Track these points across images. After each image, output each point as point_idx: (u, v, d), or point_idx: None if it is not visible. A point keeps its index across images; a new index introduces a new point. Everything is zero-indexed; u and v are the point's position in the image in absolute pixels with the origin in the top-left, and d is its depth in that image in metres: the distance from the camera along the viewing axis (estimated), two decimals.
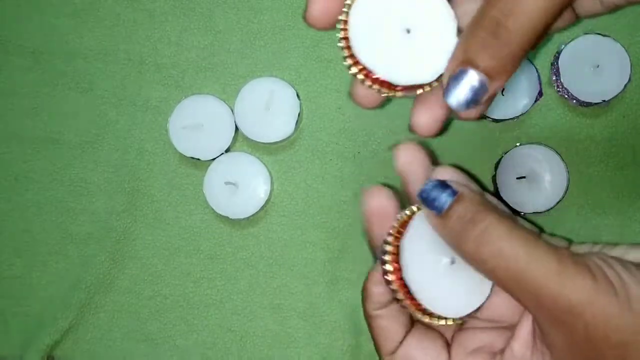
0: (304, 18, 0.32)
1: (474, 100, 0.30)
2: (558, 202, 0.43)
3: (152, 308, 0.46)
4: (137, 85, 0.46)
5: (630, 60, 0.43)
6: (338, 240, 0.45)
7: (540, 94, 0.44)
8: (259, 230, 0.46)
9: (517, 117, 0.44)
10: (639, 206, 0.44)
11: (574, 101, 0.44)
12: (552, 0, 0.28)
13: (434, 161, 0.42)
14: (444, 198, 0.30)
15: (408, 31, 0.32)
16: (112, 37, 0.47)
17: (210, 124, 0.45)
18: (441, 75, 0.32)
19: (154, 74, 0.46)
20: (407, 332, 0.34)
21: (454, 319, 0.33)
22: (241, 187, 0.45)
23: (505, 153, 0.44)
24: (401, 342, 0.34)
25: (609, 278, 0.28)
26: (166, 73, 0.46)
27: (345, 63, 0.32)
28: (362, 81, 0.32)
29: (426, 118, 0.33)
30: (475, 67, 0.29)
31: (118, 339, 0.46)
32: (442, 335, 0.35)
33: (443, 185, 0.31)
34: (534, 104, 0.44)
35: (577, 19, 0.35)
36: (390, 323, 0.34)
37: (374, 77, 0.32)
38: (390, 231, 0.33)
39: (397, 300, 0.33)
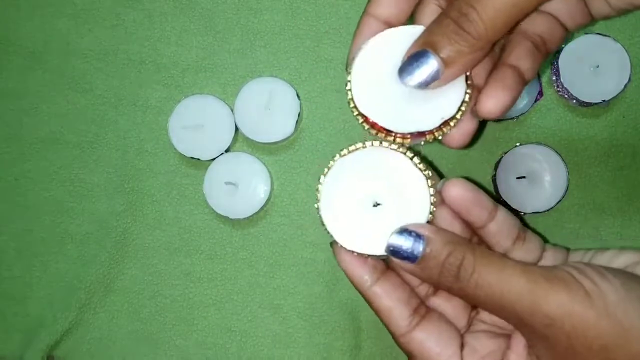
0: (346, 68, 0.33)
1: (424, 82, 0.30)
2: (558, 202, 0.43)
3: (152, 308, 0.46)
4: (137, 85, 0.46)
5: (630, 60, 0.43)
6: None
7: (540, 94, 0.44)
8: (259, 230, 0.46)
9: (517, 117, 0.44)
10: (639, 206, 0.44)
11: (574, 101, 0.44)
12: None
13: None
14: (414, 247, 0.31)
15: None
16: (112, 37, 0.47)
17: (210, 124, 0.45)
18: (446, 123, 0.32)
19: (154, 74, 0.46)
20: (414, 310, 0.34)
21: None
22: (241, 187, 0.45)
23: (505, 153, 0.44)
24: (416, 325, 0.33)
25: (584, 287, 0.29)
26: (166, 73, 0.46)
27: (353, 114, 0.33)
28: (368, 130, 0.33)
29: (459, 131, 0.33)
30: (435, 51, 0.30)
31: (118, 339, 0.46)
32: (457, 331, 0.34)
33: (409, 233, 0.31)
34: (534, 104, 0.44)
35: (592, 19, 0.35)
36: (392, 302, 0.33)
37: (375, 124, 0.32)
38: None
39: None
